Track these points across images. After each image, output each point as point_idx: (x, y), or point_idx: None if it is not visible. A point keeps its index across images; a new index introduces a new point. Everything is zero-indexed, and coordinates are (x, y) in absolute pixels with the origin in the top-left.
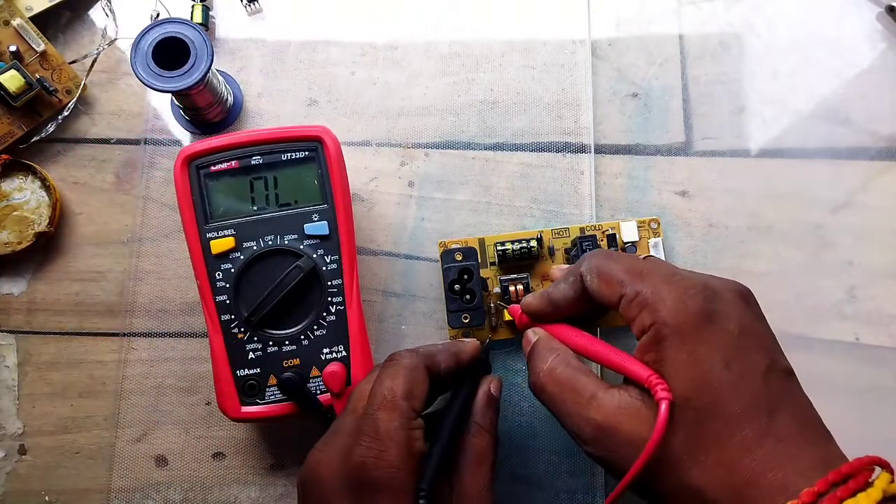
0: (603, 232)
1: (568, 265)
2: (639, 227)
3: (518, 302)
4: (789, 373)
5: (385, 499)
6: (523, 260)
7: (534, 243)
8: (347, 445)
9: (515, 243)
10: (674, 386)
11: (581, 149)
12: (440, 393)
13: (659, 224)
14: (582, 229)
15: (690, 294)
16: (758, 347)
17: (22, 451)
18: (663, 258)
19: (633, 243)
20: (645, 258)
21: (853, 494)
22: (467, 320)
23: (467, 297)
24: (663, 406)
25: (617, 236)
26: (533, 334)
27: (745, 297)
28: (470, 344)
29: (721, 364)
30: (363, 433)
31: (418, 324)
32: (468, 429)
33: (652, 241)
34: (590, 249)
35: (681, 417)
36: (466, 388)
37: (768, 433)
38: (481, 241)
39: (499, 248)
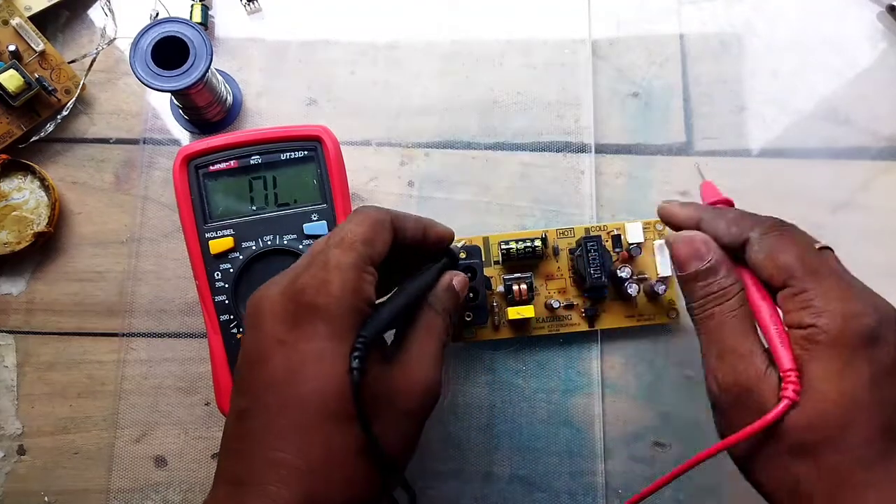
0: (608, 233)
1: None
2: (644, 228)
3: (522, 302)
4: None
5: (321, 325)
6: (527, 259)
7: (538, 243)
8: (294, 276)
9: (520, 242)
10: (813, 391)
11: (582, 148)
12: (400, 272)
13: (665, 226)
14: (587, 230)
15: (861, 314)
16: None
17: (21, 451)
18: (668, 260)
19: (639, 244)
20: (820, 249)
21: None
22: (470, 318)
23: (470, 295)
24: (782, 403)
25: (622, 237)
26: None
27: None
28: (442, 227)
29: (869, 383)
30: (312, 265)
31: None
32: (421, 307)
33: (657, 242)
34: (595, 250)
35: (807, 421)
36: (429, 272)
37: (890, 457)
38: (485, 240)
39: (503, 247)
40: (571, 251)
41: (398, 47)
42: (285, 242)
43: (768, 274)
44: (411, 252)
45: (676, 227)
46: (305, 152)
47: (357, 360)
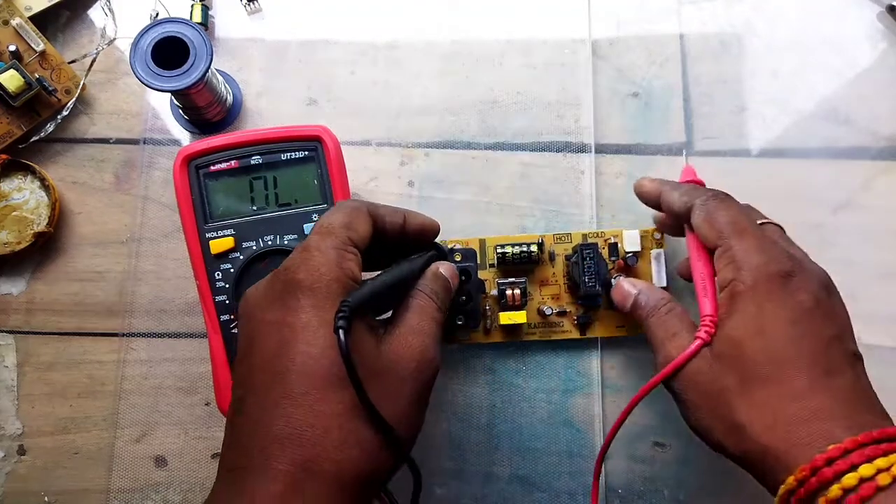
0: (605, 240)
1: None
2: (641, 237)
3: (514, 307)
4: (857, 356)
5: (303, 298)
6: (523, 264)
7: (534, 248)
8: (278, 267)
9: (516, 246)
10: (733, 328)
11: (581, 148)
12: (384, 258)
13: (662, 235)
14: (584, 236)
15: (775, 260)
16: (829, 322)
17: (21, 451)
18: (664, 270)
19: (635, 254)
20: (762, 224)
21: None
22: (461, 322)
23: (463, 297)
24: (694, 343)
25: (619, 245)
26: (632, 286)
27: (827, 284)
28: (423, 216)
29: (785, 321)
30: (294, 253)
31: None
32: (411, 293)
33: (654, 251)
34: (591, 258)
35: (733, 358)
36: (416, 259)
37: (822, 389)
38: (482, 242)
39: (498, 250)
40: (567, 257)
41: (398, 47)
42: (286, 242)
43: (704, 235)
44: (397, 245)
45: (645, 199)
46: (306, 152)
47: (342, 320)
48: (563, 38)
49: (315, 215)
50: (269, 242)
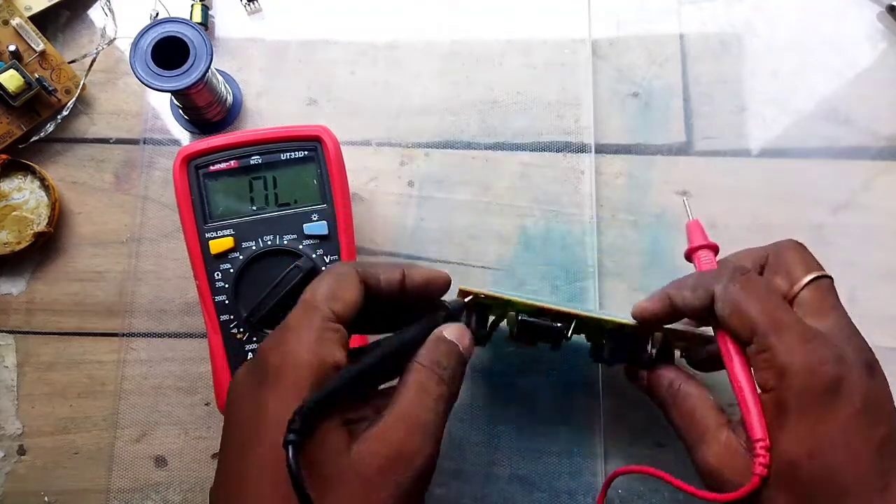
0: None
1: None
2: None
3: None
4: None
5: (272, 390)
6: (543, 338)
7: (568, 332)
8: (262, 342)
9: (543, 318)
10: (786, 451)
11: (582, 148)
12: (388, 321)
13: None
14: (620, 326)
15: (822, 367)
16: (877, 422)
17: (21, 451)
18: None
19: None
20: (812, 280)
21: None
22: None
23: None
24: (754, 480)
25: (650, 344)
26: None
27: (872, 368)
28: (426, 269)
29: (839, 440)
30: (278, 328)
31: None
32: (409, 366)
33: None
34: (619, 347)
35: (789, 482)
36: (414, 326)
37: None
38: (505, 304)
39: (521, 317)
40: (595, 344)
41: (398, 47)
42: (285, 242)
43: (735, 331)
44: (400, 305)
45: (655, 321)
46: (305, 152)
47: (292, 433)
48: (564, 38)
49: (314, 215)
50: (269, 242)
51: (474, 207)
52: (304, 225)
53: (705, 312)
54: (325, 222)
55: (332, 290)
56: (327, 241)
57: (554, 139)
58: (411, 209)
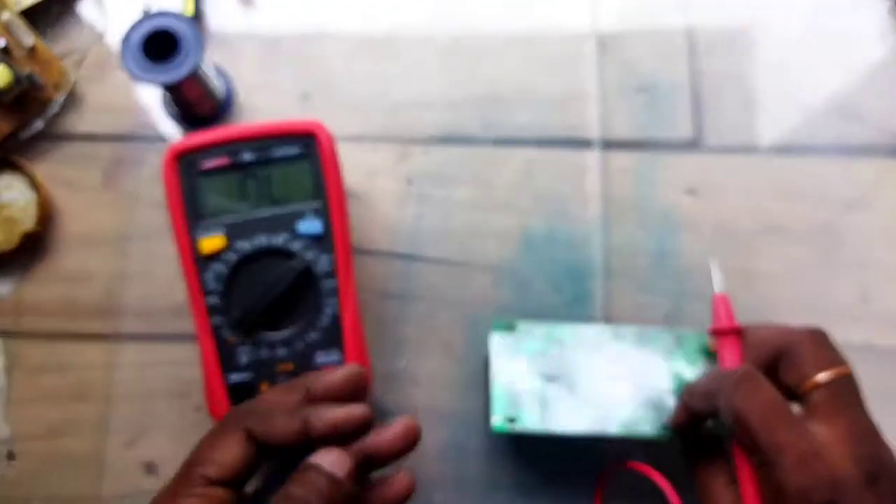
0: None
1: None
2: None
3: None
4: None
5: None
6: None
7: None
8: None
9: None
10: None
11: (587, 145)
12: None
13: None
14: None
15: (815, 493)
16: None
17: (10, 456)
18: None
19: None
20: (834, 379)
21: None
22: None
23: None
24: None
25: None
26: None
27: (874, 481)
28: (336, 415)
29: None
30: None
31: (417, 327)
32: None
33: None
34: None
35: None
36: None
37: None
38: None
39: None
40: None
41: (396, 39)
42: (279, 242)
43: (739, 441)
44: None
45: (689, 429)
46: (299, 148)
47: None
48: (568, 31)
49: (309, 213)
50: (262, 242)
51: (475, 205)
52: (299, 223)
53: (714, 414)
54: (319, 221)
55: (205, 455)
56: (322, 241)
57: (558, 135)
58: (409, 207)
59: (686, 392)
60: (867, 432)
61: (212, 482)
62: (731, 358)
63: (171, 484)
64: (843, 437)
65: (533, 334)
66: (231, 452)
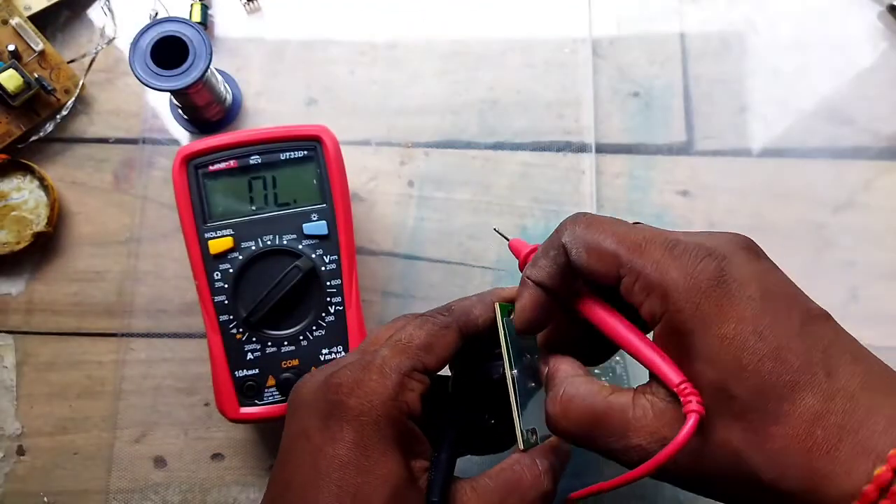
0: None
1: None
2: None
3: None
4: (826, 317)
5: (347, 429)
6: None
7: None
8: (337, 367)
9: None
10: (709, 378)
11: (582, 148)
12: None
13: None
14: None
15: (699, 266)
16: (785, 304)
17: (20, 451)
18: None
19: None
20: (635, 224)
21: None
22: None
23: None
24: (691, 420)
25: None
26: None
27: (754, 250)
28: (513, 290)
29: (753, 337)
30: (357, 361)
31: None
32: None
33: None
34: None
35: (727, 405)
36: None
37: (833, 393)
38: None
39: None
40: None
41: (398, 46)
42: (285, 242)
43: (600, 272)
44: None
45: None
46: (305, 152)
47: None
48: (564, 37)
49: (314, 215)
50: (269, 242)
51: (474, 207)
52: (304, 225)
53: (568, 276)
54: (324, 222)
55: (429, 342)
56: (327, 241)
57: (554, 139)
58: (411, 209)
59: (528, 271)
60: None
61: (425, 370)
62: None
63: (375, 360)
64: (693, 233)
65: None
66: (450, 349)
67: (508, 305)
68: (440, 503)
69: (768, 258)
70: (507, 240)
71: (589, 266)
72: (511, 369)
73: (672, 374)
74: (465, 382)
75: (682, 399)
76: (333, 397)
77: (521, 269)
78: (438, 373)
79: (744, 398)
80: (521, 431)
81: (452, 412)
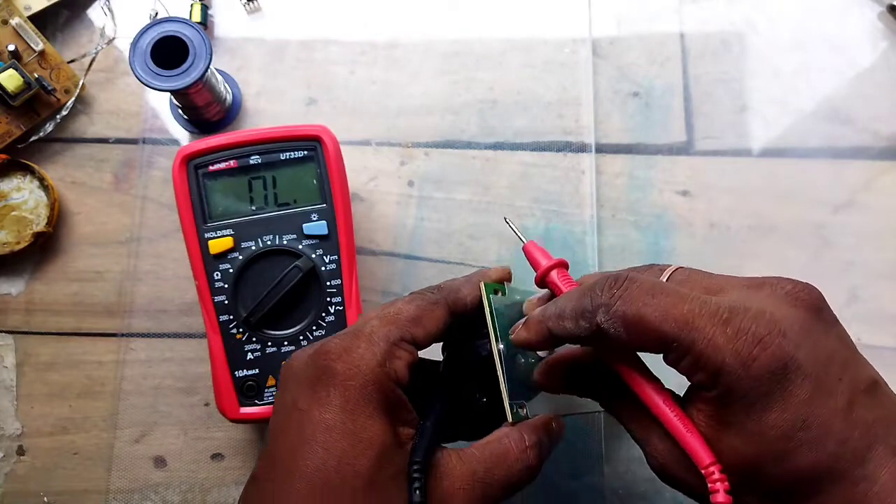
0: None
1: (558, 293)
2: None
3: None
4: (873, 388)
5: (334, 393)
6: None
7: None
8: (328, 339)
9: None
10: (744, 454)
11: (582, 148)
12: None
13: None
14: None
15: (754, 352)
16: (836, 377)
17: (20, 451)
18: None
19: None
20: (671, 272)
21: None
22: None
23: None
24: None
25: None
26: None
27: (815, 309)
28: (500, 271)
29: (798, 425)
30: (347, 332)
31: None
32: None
33: None
34: None
35: (755, 487)
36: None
37: (858, 480)
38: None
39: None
40: None
41: (398, 47)
42: (285, 242)
43: (643, 347)
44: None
45: (534, 347)
46: (305, 152)
47: (418, 493)
48: (564, 38)
49: (314, 215)
50: (269, 242)
51: (474, 207)
52: (304, 225)
53: (594, 340)
54: (324, 222)
55: (418, 315)
56: (327, 241)
57: (554, 139)
58: (411, 209)
59: (551, 314)
60: (753, 278)
61: (413, 343)
62: (570, 287)
63: (364, 329)
64: (738, 292)
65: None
66: (439, 324)
67: (494, 285)
68: (422, 464)
69: (829, 311)
70: (517, 234)
71: (630, 343)
72: (497, 343)
73: (703, 454)
74: (456, 362)
75: (709, 485)
76: (322, 362)
77: (538, 281)
78: (432, 365)
79: (774, 482)
80: (509, 405)
81: (442, 390)
